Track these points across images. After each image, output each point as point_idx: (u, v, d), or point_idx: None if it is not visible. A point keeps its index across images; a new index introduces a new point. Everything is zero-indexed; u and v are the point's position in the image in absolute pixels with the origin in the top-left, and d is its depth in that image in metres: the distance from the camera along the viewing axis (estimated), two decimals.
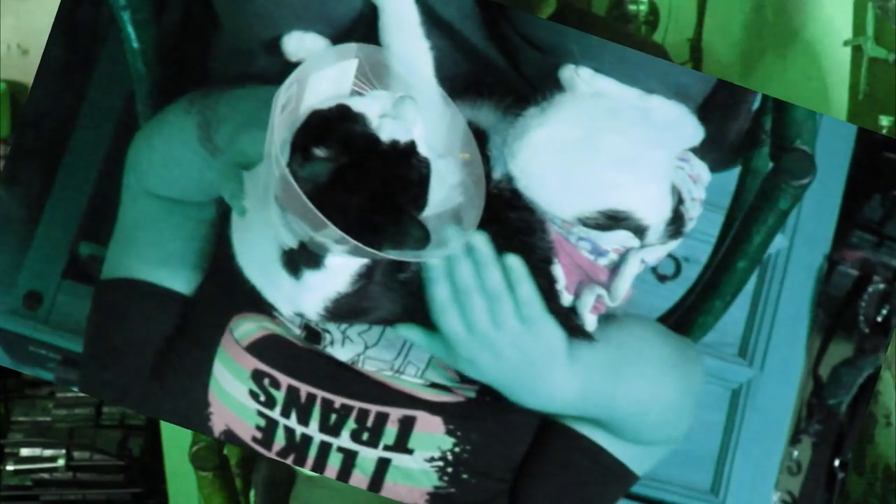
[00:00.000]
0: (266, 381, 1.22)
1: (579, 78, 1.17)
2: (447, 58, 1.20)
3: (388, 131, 1.05)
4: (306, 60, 1.08)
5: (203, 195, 1.24)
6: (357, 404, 1.21)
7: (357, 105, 1.06)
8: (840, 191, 1.83)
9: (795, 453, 1.95)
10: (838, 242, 1.87)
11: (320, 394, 1.21)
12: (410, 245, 1.04)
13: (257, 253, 1.14)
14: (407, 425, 1.21)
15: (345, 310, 1.14)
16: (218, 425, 1.24)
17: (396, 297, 1.15)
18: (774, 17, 1.99)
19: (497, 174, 1.18)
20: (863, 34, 1.83)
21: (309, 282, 1.12)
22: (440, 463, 1.22)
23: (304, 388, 1.21)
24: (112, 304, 1.27)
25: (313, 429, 1.22)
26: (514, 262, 1.10)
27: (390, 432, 1.21)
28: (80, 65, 1.78)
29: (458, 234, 1.07)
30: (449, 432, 1.22)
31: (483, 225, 1.09)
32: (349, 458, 1.22)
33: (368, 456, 1.22)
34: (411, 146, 1.06)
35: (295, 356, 1.23)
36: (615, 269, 1.25)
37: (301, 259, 1.10)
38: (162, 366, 1.24)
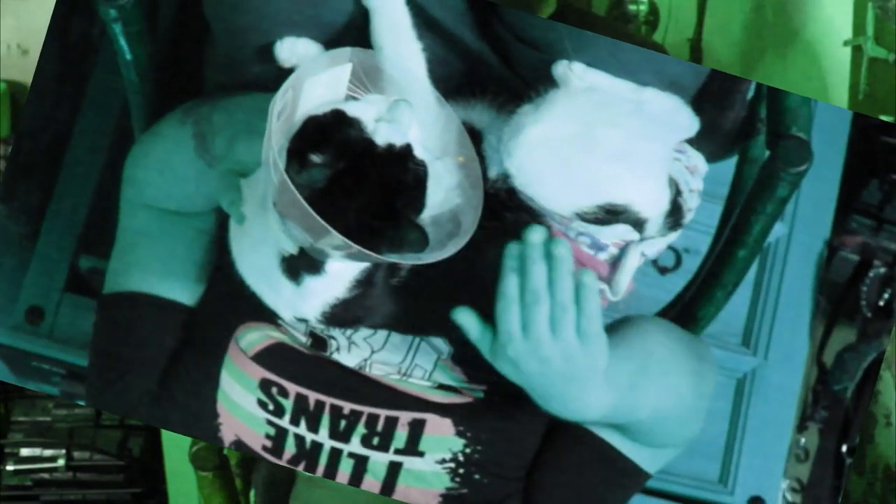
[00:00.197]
0: (274, 390, 1.22)
1: (572, 73, 1.17)
2: (440, 58, 1.20)
3: (383, 135, 1.05)
4: (300, 66, 1.08)
5: (201, 205, 1.24)
6: (366, 409, 1.21)
7: (352, 110, 1.06)
8: (837, 176, 1.83)
9: (803, 440, 1.95)
10: (838, 228, 1.86)
11: (329, 400, 1.21)
12: (409, 248, 1.04)
13: (257, 259, 1.14)
14: (417, 428, 1.21)
15: (343, 314, 1.15)
16: (228, 435, 1.24)
17: (393, 302, 1.16)
18: (774, 17, 1.99)
19: (493, 173, 1.18)
20: (863, 34, 1.83)
21: (310, 287, 1.12)
22: (451, 464, 1.22)
23: (313, 396, 1.21)
24: (116, 318, 1.27)
25: (323, 436, 1.22)
26: (590, 278, 1.05)
27: (400, 436, 1.21)
28: (73, 78, 1.78)
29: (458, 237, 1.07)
30: (459, 433, 1.22)
31: (480, 224, 1.09)
32: (360, 463, 1.22)
33: (379, 460, 1.22)
34: (407, 149, 1.06)
35: (302, 364, 1.23)
36: (615, 263, 1.25)
37: (301, 264, 1.11)
38: (169, 378, 1.24)
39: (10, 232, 1.82)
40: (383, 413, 1.21)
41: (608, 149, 1.16)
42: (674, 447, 1.29)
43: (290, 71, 1.07)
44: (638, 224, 1.22)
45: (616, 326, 1.21)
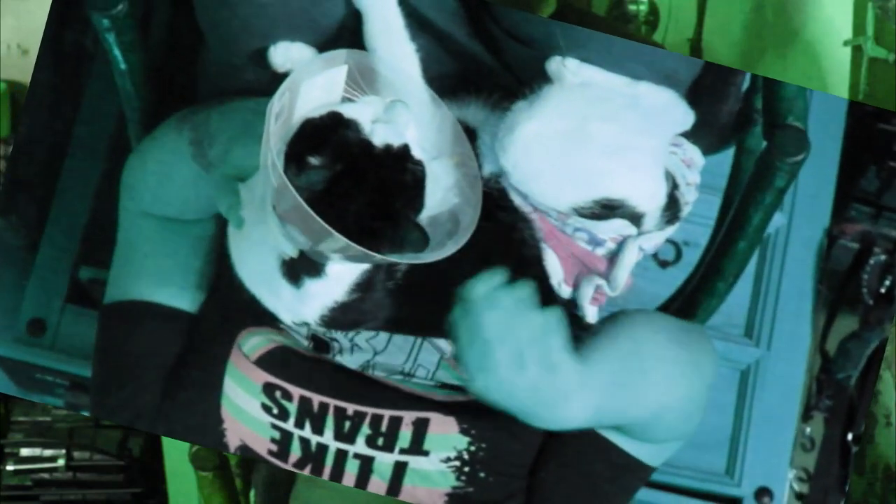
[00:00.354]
0: (278, 394, 1.22)
1: (566, 69, 1.17)
2: (433, 58, 1.20)
3: (381, 136, 1.05)
4: (296, 70, 1.08)
5: (200, 212, 1.24)
6: (370, 410, 1.21)
7: (349, 111, 1.06)
8: (835, 165, 1.83)
9: (808, 430, 1.95)
10: (837, 216, 1.87)
11: (333, 402, 1.21)
12: (409, 248, 1.04)
13: (257, 263, 1.14)
14: (421, 427, 1.21)
15: (342, 317, 1.15)
16: (233, 441, 1.24)
17: (393, 304, 1.16)
18: (774, 17, 1.98)
19: (486, 172, 1.18)
20: (863, 34, 1.83)
21: (310, 290, 1.12)
22: (457, 463, 1.22)
23: (317, 398, 1.22)
24: (118, 327, 1.27)
25: (328, 437, 1.22)
26: (554, 315, 1.06)
27: (405, 436, 1.21)
28: (69, 89, 1.78)
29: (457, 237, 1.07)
30: (463, 431, 1.22)
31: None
32: (366, 464, 1.22)
33: (385, 461, 1.22)
34: (405, 150, 1.06)
35: (305, 367, 1.23)
36: (613, 258, 1.25)
37: (301, 267, 1.11)
38: (173, 385, 1.24)
39: (9, 245, 1.82)
40: (387, 413, 1.21)
41: (604, 143, 1.17)
42: (676, 440, 1.29)
43: (284, 75, 1.07)
44: (635, 218, 1.22)
45: (603, 324, 1.20)
